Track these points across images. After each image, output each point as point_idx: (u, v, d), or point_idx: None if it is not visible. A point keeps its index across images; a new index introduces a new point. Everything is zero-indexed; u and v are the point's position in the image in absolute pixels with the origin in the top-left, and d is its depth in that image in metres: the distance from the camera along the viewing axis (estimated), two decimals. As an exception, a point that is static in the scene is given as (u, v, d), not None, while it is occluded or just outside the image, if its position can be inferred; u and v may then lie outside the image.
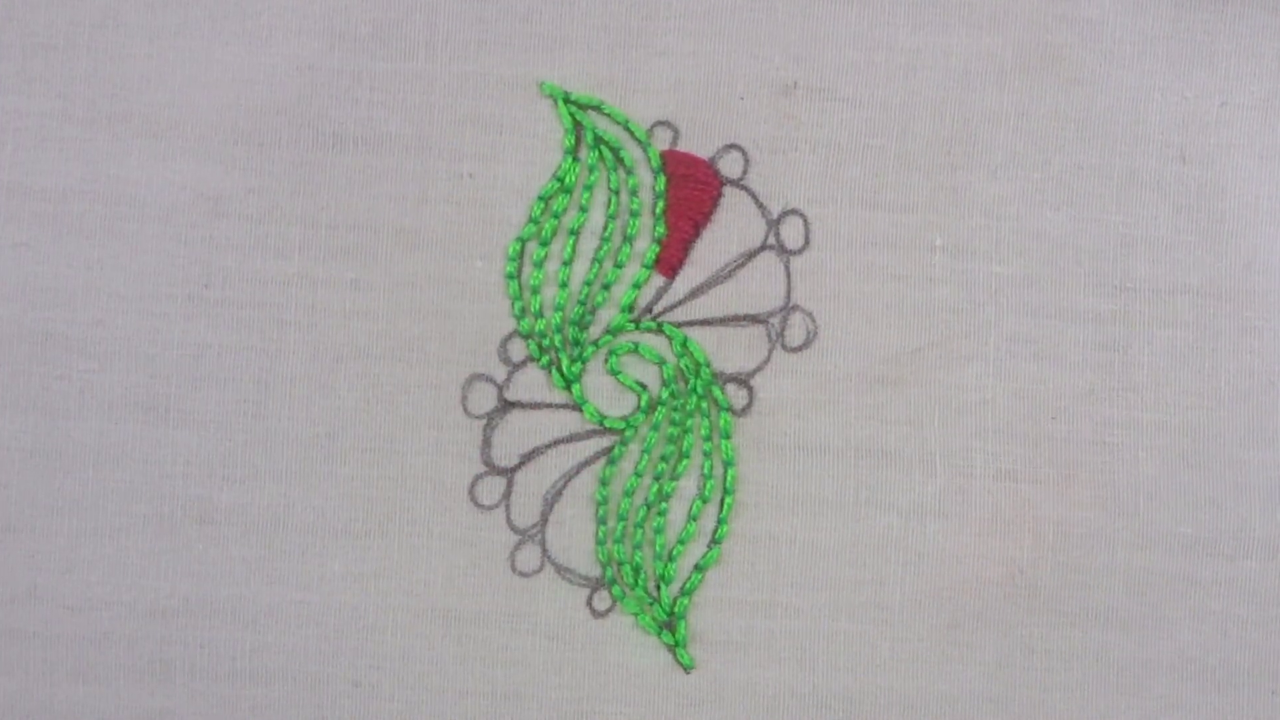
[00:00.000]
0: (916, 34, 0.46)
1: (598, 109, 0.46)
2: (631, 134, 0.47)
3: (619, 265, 0.47)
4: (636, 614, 0.46)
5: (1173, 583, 0.46)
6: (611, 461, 0.46)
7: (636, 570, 0.46)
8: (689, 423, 0.46)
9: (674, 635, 0.46)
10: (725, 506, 0.46)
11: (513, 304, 0.46)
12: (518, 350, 0.46)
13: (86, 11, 0.46)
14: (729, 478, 0.46)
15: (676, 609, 0.46)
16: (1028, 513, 0.46)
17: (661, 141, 0.47)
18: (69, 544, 0.46)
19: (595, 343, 0.47)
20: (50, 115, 0.46)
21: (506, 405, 0.46)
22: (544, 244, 0.46)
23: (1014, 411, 0.46)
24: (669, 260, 0.46)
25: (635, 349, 0.47)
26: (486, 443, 0.46)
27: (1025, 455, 0.46)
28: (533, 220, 0.46)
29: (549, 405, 0.46)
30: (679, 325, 0.47)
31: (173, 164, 0.46)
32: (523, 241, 0.46)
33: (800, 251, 0.46)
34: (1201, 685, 0.46)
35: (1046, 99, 0.46)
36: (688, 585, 0.46)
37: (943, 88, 0.46)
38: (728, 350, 0.46)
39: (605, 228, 0.47)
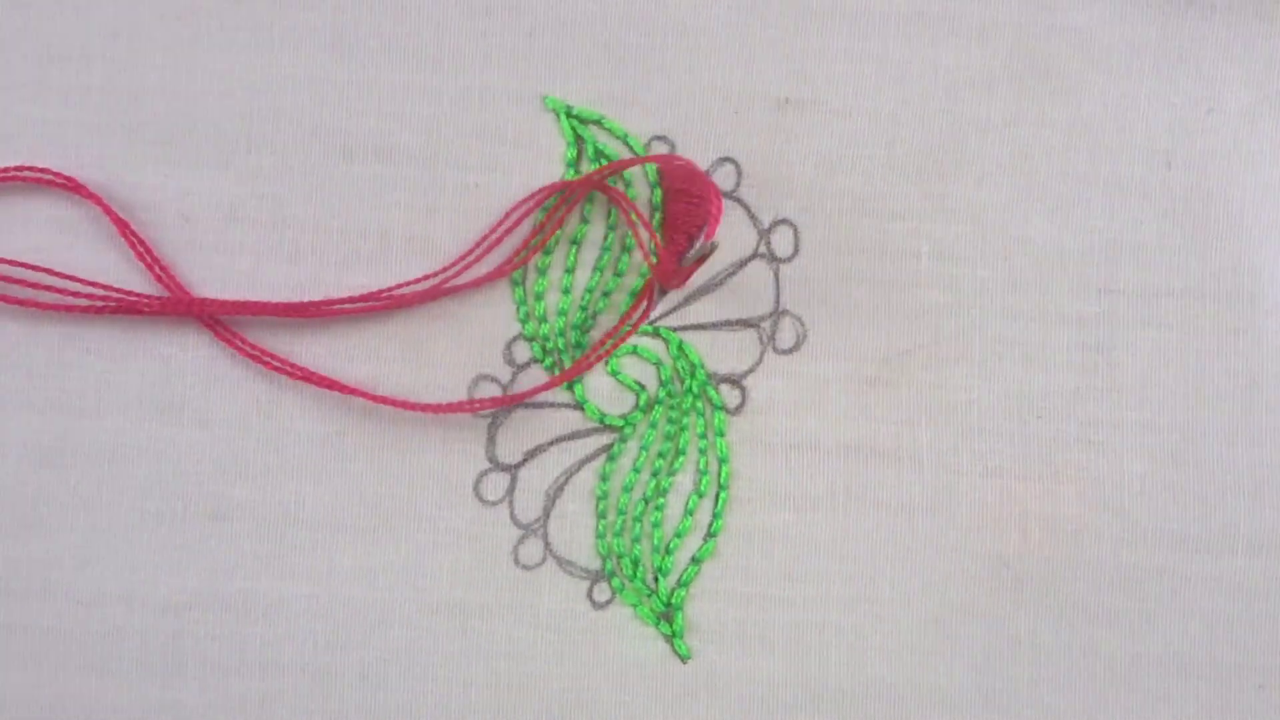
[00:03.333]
0: (906, 47, 0.47)
1: (598, 123, 0.47)
2: (630, 147, 0.47)
3: (618, 274, 0.47)
4: (635, 605, 0.46)
5: (1159, 579, 0.46)
6: (611, 458, 0.47)
7: (635, 563, 0.46)
8: (685, 421, 0.47)
9: (671, 626, 0.46)
10: (720, 501, 0.46)
11: (517, 308, 0.47)
12: (522, 352, 0.47)
13: (101, 23, 0.46)
14: (723, 474, 0.46)
15: (674, 600, 0.46)
16: (1014, 509, 0.46)
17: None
18: (83, 540, 0.46)
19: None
20: (65, 124, 0.46)
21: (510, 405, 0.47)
22: (547, 253, 0.47)
23: (1000, 411, 0.46)
24: (665, 270, 0.47)
25: (634, 351, 0.47)
26: (491, 441, 0.46)
27: (1011, 453, 0.46)
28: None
29: (551, 404, 0.47)
30: (675, 329, 0.47)
31: (187, 171, 0.46)
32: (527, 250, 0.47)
33: (790, 259, 0.47)
34: (1188, 680, 0.46)
35: (1034, 107, 0.47)
36: (684, 577, 0.46)
37: (931, 98, 0.47)
38: (721, 353, 0.47)
39: (605, 238, 0.47)
